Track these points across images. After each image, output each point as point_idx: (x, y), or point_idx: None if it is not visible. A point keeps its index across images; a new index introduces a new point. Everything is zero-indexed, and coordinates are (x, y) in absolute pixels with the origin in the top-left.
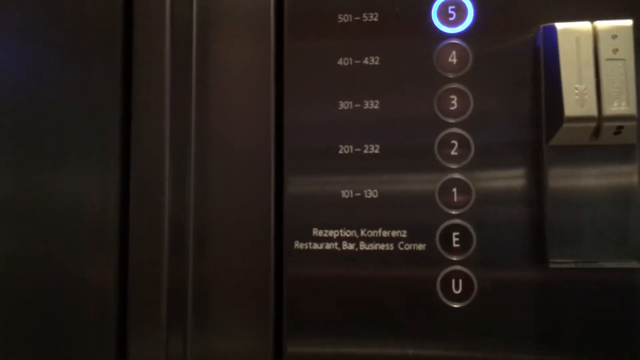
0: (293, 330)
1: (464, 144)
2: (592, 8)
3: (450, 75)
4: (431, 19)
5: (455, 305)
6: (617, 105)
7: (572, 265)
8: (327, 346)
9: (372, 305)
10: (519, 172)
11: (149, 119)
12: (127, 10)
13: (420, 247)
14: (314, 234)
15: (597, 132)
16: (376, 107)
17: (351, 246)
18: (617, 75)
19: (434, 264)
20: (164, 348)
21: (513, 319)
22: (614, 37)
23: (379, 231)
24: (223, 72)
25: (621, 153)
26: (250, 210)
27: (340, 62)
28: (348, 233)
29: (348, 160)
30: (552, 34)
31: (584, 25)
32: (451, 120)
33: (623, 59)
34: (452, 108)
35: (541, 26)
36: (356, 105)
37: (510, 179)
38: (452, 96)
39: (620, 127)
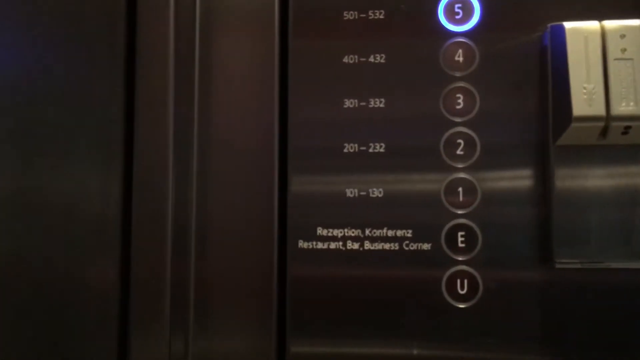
0: (296, 330)
1: (469, 143)
2: (599, 7)
3: (457, 74)
4: (437, 17)
5: (460, 306)
6: (625, 105)
7: (579, 266)
8: (331, 346)
9: (376, 305)
10: (525, 171)
11: (151, 118)
12: (130, 9)
13: (426, 246)
14: (318, 233)
15: (604, 132)
16: (382, 105)
17: (356, 246)
18: (625, 74)
19: (439, 264)
20: (166, 348)
21: (518, 319)
22: (622, 36)
23: (384, 230)
24: (226, 70)
25: (628, 153)
26: (254, 209)
27: (345, 59)
28: (353, 232)
29: (353, 159)
30: (560, 33)
31: (593, 25)
32: (457, 120)
33: (631, 59)
34: (458, 107)
35: (549, 25)
36: (361, 104)
37: (516, 178)
38: (458, 95)
39: (628, 127)
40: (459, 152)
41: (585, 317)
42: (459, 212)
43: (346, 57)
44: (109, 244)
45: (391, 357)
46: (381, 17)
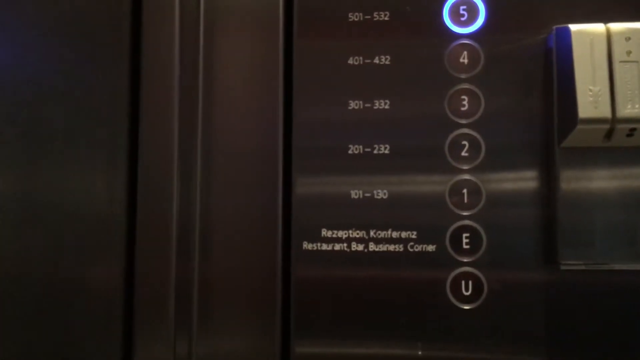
0: (301, 331)
1: (474, 144)
2: (604, 10)
3: (462, 76)
4: (442, 19)
5: (465, 307)
6: (631, 107)
7: (583, 267)
8: (335, 347)
9: (381, 306)
10: (530, 173)
11: (156, 119)
12: (135, 9)
13: (430, 248)
14: (322, 235)
15: (609, 134)
16: (386, 107)
17: (360, 247)
18: (630, 77)
19: (443, 266)
20: (170, 349)
21: (523, 320)
22: (628, 39)
23: (389, 232)
24: (231, 70)
25: (633, 155)
26: (258, 210)
27: (350, 61)
28: (357, 234)
29: (358, 160)
30: (565, 35)
31: (598, 27)
32: (462, 121)
33: (637, 61)
34: (463, 109)
35: (554, 27)
36: (366, 105)
37: (521, 180)
38: (463, 97)
39: (633, 129)
40: (463, 153)
41: (589, 318)
42: (464, 213)
43: (351, 58)
44: (114, 245)
45: (395, 358)
46: (386, 18)
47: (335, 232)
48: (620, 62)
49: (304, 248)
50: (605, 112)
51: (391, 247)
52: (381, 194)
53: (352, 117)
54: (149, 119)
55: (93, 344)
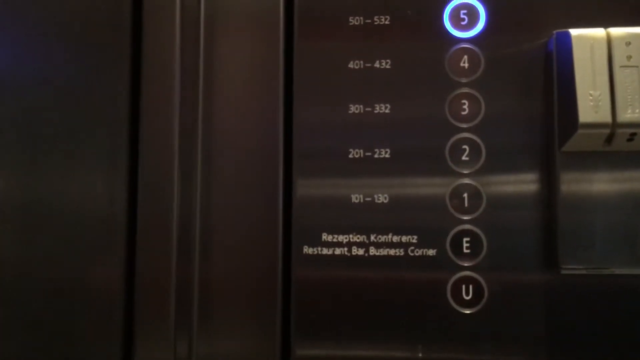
0: (301, 333)
1: (475, 148)
2: (605, 14)
3: (462, 80)
4: (443, 23)
5: (465, 311)
6: (631, 112)
7: (584, 271)
8: (335, 350)
9: (381, 310)
10: (530, 177)
11: (157, 120)
12: (136, 9)
13: (431, 252)
14: (323, 239)
15: (610, 138)
16: (387, 111)
17: (361, 251)
18: (630, 82)
19: (444, 270)
20: (171, 350)
21: (523, 324)
22: (628, 44)
23: (389, 236)
24: (231, 72)
25: (633, 159)
26: (259, 211)
27: (351, 65)
28: (358, 238)
29: (358, 164)
30: (565, 39)
31: (598, 32)
32: (462, 125)
33: (637, 66)
34: (463, 113)
35: (554, 32)
36: (367, 109)
37: (521, 184)
38: (463, 101)
39: (633, 134)
40: (464, 157)
41: (590, 322)
42: (464, 217)
43: (352, 62)
44: (114, 246)
45: None
46: (387, 22)
47: (336, 236)
48: (621, 66)
49: (304, 252)
50: (605, 116)
51: (392, 251)
52: (382, 198)
53: (353, 121)
54: (150, 120)
55: (93, 344)
